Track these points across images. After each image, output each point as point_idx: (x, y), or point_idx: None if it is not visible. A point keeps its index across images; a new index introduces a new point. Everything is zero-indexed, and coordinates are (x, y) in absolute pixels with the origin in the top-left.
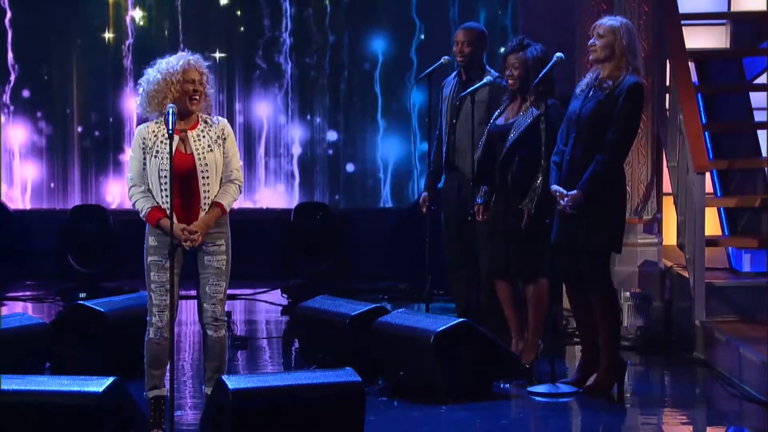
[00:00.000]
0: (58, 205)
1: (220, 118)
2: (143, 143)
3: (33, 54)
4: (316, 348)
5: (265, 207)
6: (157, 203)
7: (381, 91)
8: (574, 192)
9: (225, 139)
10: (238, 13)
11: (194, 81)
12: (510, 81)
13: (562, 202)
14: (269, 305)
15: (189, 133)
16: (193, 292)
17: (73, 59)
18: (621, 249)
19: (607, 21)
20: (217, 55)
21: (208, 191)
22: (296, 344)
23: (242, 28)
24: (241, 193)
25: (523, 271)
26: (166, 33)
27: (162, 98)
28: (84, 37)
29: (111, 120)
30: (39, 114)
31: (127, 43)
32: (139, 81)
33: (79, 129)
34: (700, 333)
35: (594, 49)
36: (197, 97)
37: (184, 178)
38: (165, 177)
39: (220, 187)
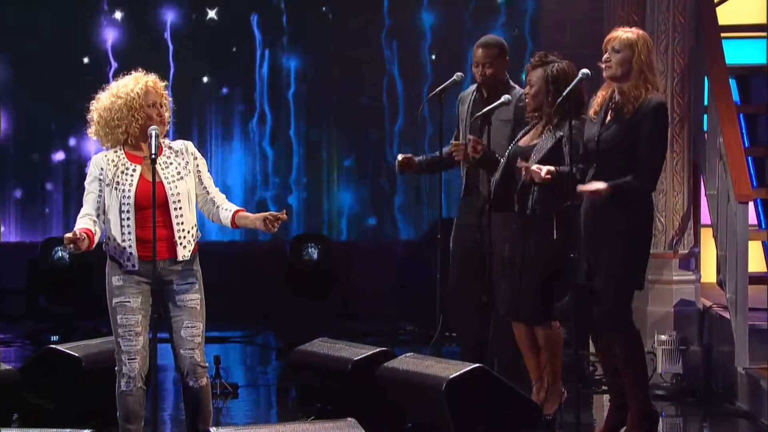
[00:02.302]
0: (28, 237)
1: (184, 142)
2: (100, 174)
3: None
4: (315, 396)
5: (258, 239)
6: (88, 227)
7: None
8: (602, 184)
9: (198, 164)
10: None
11: (155, 104)
12: (527, 99)
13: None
14: (262, 348)
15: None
16: (166, 335)
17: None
18: (643, 285)
19: (623, 33)
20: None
21: (182, 222)
22: (292, 392)
23: None
24: None
25: (533, 314)
26: None
27: (125, 127)
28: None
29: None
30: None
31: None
32: (91, 108)
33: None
34: (743, 381)
35: (609, 65)
36: (162, 122)
37: (151, 208)
38: (127, 211)
39: (194, 217)
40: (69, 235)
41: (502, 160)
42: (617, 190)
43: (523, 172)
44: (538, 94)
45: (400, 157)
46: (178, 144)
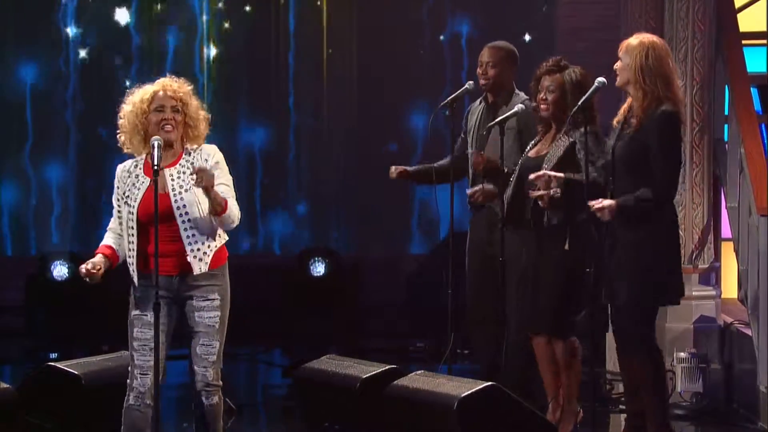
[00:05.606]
0: (26, 251)
1: (205, 146)
2: (117, 186)
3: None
4: (322, 415)
5: (264, 252)
6: (108, 243)
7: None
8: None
9: (211, 167)
10: None
11: (164, 108)
12: (542, 105)
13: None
14: (268, 366)
15: (166, 170)
16: (184, 351)
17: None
18: (679, 300)
19: (633, 39)
20: None
21: (193, 234)
22: (299, 411)
23: None
24: (238, 221)
25: (551, 327)
26: None
27: (134, 133)
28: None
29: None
30: None
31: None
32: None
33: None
34: (765, 400)
35: (616, 73)
36: (170, 126)
37: (159, 221)
38: (132, 227)
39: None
40: (83, 268)
41: (513, 175)
42: (625, 206)
43: (535, 184)
44: (558, 100)
45: (392, 169)
46: (197, 149)
